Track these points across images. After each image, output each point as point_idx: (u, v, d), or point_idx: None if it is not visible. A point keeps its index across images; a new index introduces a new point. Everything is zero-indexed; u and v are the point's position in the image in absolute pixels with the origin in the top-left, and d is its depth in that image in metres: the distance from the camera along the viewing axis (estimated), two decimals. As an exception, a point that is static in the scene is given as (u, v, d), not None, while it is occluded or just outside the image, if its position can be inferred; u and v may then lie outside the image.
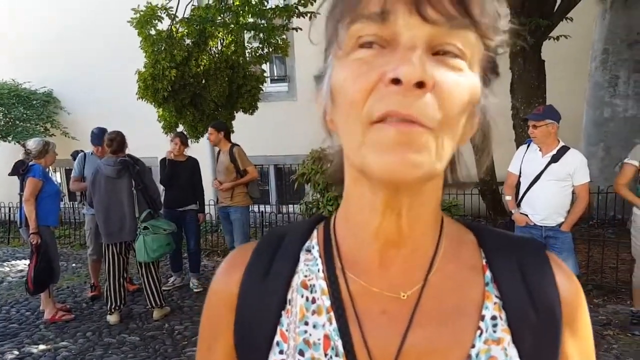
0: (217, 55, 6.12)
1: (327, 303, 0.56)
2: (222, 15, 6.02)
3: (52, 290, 4.92)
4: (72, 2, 9.58)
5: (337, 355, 0.54)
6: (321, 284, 0.58)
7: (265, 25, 6.09)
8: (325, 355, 0.54)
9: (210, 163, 8.14)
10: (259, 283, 0.60)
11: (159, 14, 5.72)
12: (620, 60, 6.59)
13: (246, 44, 6.47)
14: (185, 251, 5.86)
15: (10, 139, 9.36)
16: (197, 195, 5.61)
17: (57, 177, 10.31)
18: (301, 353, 0.55)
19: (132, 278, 5.69)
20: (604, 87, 6.76)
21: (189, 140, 5.80)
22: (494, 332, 0.54)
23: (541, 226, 3.77)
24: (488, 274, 0.57)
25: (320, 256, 0.60)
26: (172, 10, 5.88)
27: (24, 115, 9.51)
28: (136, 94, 5.80)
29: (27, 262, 4.78)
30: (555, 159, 3.71)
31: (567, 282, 0.58)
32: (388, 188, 0.50)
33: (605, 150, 6.82)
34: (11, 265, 7.28)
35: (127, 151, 4.72)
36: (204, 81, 5.97)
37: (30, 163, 4.67)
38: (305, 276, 0.59)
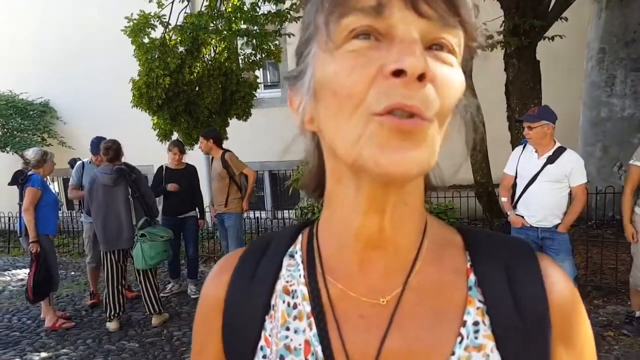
0: (210, 62, 6.13)
1: (308, 308, 0.56)
2: (214, 22, 6.03)
3: (52, 299, 4.94)
4: (67, 14, 9.63)
5: None
6: (302, 289, 0.58)
7: (258, 31, 6.10)
8: None
9: (204, 168, 8.13)
10: (244, 288, 0.60)
11: (152, 22, 5.74)
12: (617, 59, 6.54)
13: (239, 51, 6.47)
14: (182, 257, 5.86)
15: (9, 149, 9.42)
16: (196, 202, 5.63)
17: (55, 187, 10.32)
18: (282, 358, 0.55)
19: (131, 285, 5.69)
20: (600, 86, 6.72)
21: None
22: (476, 338, 0.52)
23: (537, 227, 3.74)
24: (472, 277, 0.55)
25: (302, 261, 0.60)
26: (165, 18, 5.91)
27: (22, 126, 9.58)
28: (131, 102, 5.81)
29: (28, 270, 4.80)
30: (551, 160, 3.67)
31: (559, 287, 0.55)
32: (378, 185, 0.49)
33: (603, 150, 6.79)
34: (12, 274, 7.30)
35: (123, 159, 4.73)
36: (197, 88, 5.98)
37: (29, 173, 4.71)
38: (287, 282, 0.59)
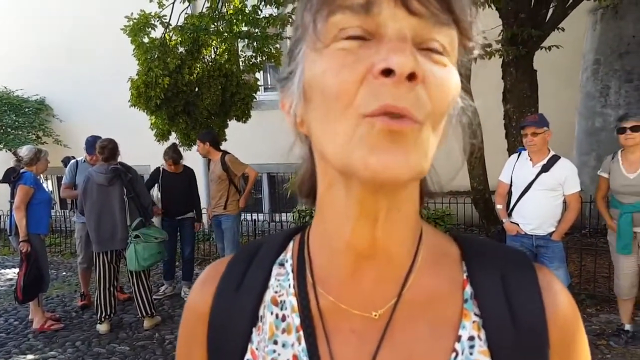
0: (210, 63, 6.13)
1: (297, 321, 0.54)
2: (215, 24, 6.04)
3: (42, 299, 4.88)
4: (63, 10, 9.58)
5: None
6: (292, 300, 0.55)
7: (259, 33, 6.12)
8: None
9: (202, 170, 8.11)
10: (230, 297, 0.58)
11: (153, 22, 5.73)
12: (612, 70, 6.64)
13: (239, 53, 6.49)
14: (178, 259, 5.83)
15: (2, 146, 9.32)
16: (194, 204, 5.64)
17: (49, 185, 10.23)
18: None
19: (123, 287, 5.64)
20: (595, 97, 6.81)
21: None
22: (471, 354, 0.50)
23: (532, 235, 3.76)
24: (468, 289, 0.53)
25: (292, 271, 0.57)
26: (165, 19, 5.90)
27: (16, 123, 9.47)
28: (129, 101, 5.80)
29: (17, 270, 4.74)
30: (545, 168, 3.71)
31: (557, 301, 0.53)
32: (368, 190, 0.47)
33: (597, 160, 6.82)
34: (0, 273, 7.19)
35: (119, 159, 4.70)
36: (197, 89, 5.98)
37: (22, 170, 4.67)
38: (276, 292, 0.57)
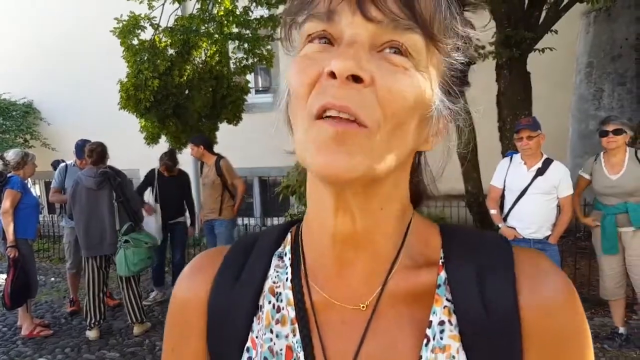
0: (200, 65, 6.11)
1: (292, 314, 0.56)
2: (206, 25, 6.01)
3: (30, 305, 4.83)
4: (52, 13, 9.51)
5: None
6: (287, 293, 0.58)
7: (250, 35, 6.10)
8: None
9: (192, 173, 8.02)
10: (230, 288, 0.60)
11: (142, 23, 5.70)
12: (605, 73, 6.67)
13: (230, 55, 6.47)
14: (167, 265, 5.77)
15: (-11, 150, 9.21)
16: (190, 209, 5.64)
17: (37, 190, 10.11)
18: None
19: (113, 293, 5.58)
20: (588, 99, 6.84)
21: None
22: (441, 338, 0.51)
23: (529, 239, 3.75)
24: (442, 274, 0.54)
25: (289, 264, 0.60)
26: (155, 20, 5.85)
27: (3, 127, 9.43)
28: (118, 104, 5.74)
29: (4, 276, 4.67)
30: (540, 172, 3.71)
31: (538, 286, 0.52)
32: (332, 187, 0.49)
33: (591, 162, 6.90)
34: (-13, 279, 7.09)
35: (108, 162, 4.65)
36: (187, 92, 5.95)
37: (9, 174, 4.62)
38: (274, 282, 0.59)
